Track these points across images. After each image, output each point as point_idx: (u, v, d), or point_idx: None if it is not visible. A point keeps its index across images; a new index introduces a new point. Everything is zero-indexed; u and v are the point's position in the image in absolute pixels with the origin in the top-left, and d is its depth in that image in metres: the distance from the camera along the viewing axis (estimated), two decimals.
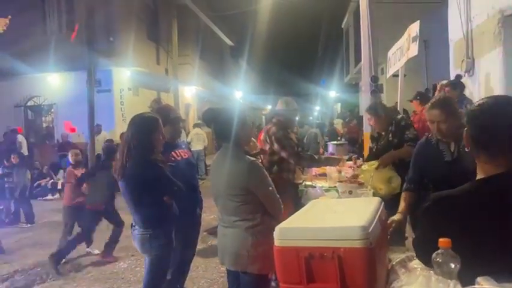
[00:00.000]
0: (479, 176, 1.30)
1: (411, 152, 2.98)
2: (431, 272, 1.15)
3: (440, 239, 1.10)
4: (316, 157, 4.25)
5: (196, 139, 12.49)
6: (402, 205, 2.59)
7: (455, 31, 5.12)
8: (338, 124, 16.39)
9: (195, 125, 13.44)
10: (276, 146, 3.72)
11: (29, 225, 7.50)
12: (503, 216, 1.21)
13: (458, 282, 1.04)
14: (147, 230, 2.76)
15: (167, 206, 2.84)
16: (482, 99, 1.38)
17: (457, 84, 4.80)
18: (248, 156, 2.44)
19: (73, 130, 12.14)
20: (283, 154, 3.71)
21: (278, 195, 2.47)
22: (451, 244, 1.09)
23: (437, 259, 1.09)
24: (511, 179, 1.23)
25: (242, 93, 24.56)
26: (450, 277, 1.06)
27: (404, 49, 5.36)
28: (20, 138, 11.64)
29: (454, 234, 1.12)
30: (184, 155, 3.33)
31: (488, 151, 1.28)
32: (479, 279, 1.02)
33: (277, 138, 3.73)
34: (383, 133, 4.00)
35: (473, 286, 1.03)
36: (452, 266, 1.07)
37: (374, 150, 4.13)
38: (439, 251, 1.09)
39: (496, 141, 1.26)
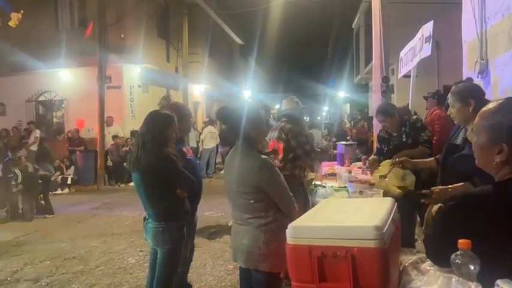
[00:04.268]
0: (499, 176, 1.26)
1: (425, 152, 2.96)
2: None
3: (460, 240, 1.08)
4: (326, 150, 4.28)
5: (209, 137, 12.58)
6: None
7: (468, 32, 5.04)
8: (347, 124, 16.36)
9: (208, 123, 13.49)
10: (293, 143, 3.71)
11: (51, 215, 7.72)
12: None
13: (480, 284, 1.03)
14: (160, 223, 2.81)
15: (180, 199, 2.87)
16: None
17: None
18: (261, 154, 2.42)
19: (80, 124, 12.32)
20: (299, 151, 3.70)
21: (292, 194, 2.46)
22: (474, 244, 1.06)
23: (457, 260, 1.07)
24: None
25: (251, 92, 24.54)
26: (470, 279, 1.04)
27: (417, 49, 5.32)
28: (38, 133, 11.68)
29: (478, 235, 1.09)
30: (188, 153, 3.39)
31: None
32: (498, 281, 1.00)
33: (294, 134, 3.73)
34: (395, 134, 3.97)
35: None
36: (472, 267, 1.05)
37: (385, 151, 4.10)
38: (458, 252, 1.07)
39: None
